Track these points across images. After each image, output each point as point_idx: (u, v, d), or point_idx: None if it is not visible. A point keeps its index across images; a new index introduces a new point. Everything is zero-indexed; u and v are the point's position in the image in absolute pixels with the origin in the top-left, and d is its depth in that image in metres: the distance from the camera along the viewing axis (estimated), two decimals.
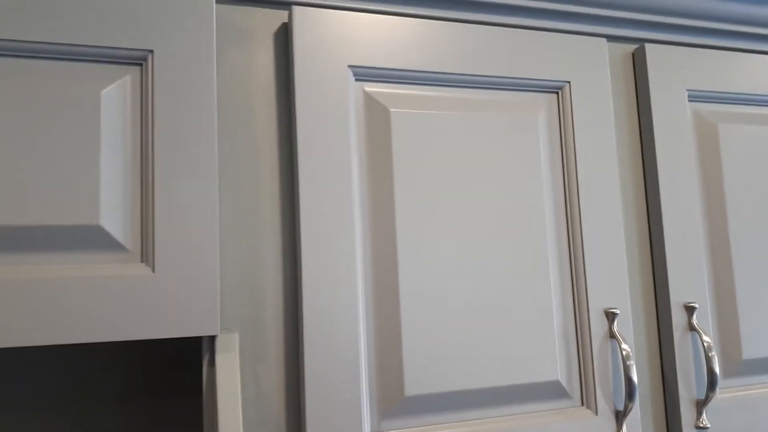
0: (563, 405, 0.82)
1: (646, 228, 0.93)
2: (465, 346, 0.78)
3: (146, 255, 0.65)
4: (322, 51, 0.77)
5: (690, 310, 0.89)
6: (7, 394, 0.86)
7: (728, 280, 0.93)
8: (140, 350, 0.92)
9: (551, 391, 0.82)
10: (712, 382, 0.86)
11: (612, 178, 0.88)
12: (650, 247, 0.93)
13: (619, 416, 0.83)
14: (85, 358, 0.89)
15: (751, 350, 0.92)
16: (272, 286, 0.75)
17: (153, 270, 0.64)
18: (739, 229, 0.95)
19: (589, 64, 0.89)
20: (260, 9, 0.79)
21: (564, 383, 0.82)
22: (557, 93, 0.89)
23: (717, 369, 0.86)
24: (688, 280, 0.90)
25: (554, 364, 0.82)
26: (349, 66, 0.78)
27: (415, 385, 0.75)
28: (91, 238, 0.64)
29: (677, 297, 0.89)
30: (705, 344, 0.87)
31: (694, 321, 0.89)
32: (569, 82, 0.88)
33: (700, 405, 0.87)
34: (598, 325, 0.84)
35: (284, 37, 0.79)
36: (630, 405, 0.81)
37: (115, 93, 0.66)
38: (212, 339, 0.70)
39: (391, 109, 0.79)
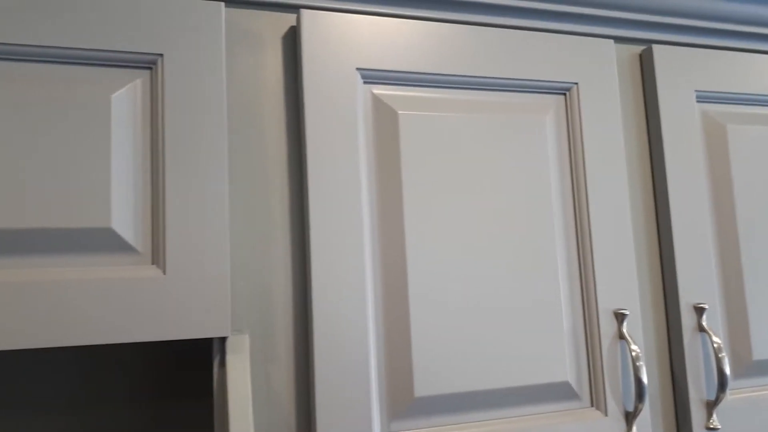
0: (573, 406, 0.82)
1: (655, 229, 0.93)
2: (474, 347, 0.78)
3: (157, 257, 0.66)
4: (330, 54, 0.77)
5: (699, 310, 0.89)
6: (20, 395, 0.87)
7: (738, 281, 0.93)
8: (151, 352, 0.92)
9: (561, 392, 0.82)
10: (722, 383, 0.85)
11: (620, 180, 0.88)
12: (659, 248, 0.93)
13: (629, 417, 0.83)
14: (97, 360, 0.90)
15: (761, 351, 0.92)
16: (282, 288, 0.75)
17: (164, 272, 0.65)
18: (749, 229, 0.95)
19: (597, 66, 0.89)
20: (269, 13, 0.79)
21: (573, 384, 0.82)
22: (565, 94, 0.89)
23: (727, 370, 0.85)
24: (698, 280, 0.90)
25: (563, 365, 0.82)
26: (357, 69, 0.78)
27: (424, 386, 0.75)
28: (103, 241, 0.64)
29: (687, 298, 0.89)
30: (715, 345, 0.87)
31: (704, 322, 0.89)
32: (577, 84, 0.88)
33: (711, 406, 0.87)
34: (607, 326, 0.84)
35: (292, 41, 0.80)
36: (640, 406, 0.81)
37: (126, 97, 0.67)
38: (223, 340, 0.70)
39: (399, 112, 0.80)
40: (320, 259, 0.73)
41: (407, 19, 0.81)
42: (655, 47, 0.94)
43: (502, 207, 0.82)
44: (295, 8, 0.80)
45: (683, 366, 0.88)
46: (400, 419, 0.75)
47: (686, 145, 0.93)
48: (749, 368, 0.92)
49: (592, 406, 0.83)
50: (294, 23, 0.80)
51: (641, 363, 0.81)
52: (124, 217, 0.65)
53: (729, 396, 0.90)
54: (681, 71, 0.95)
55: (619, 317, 0.84)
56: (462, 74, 0.82)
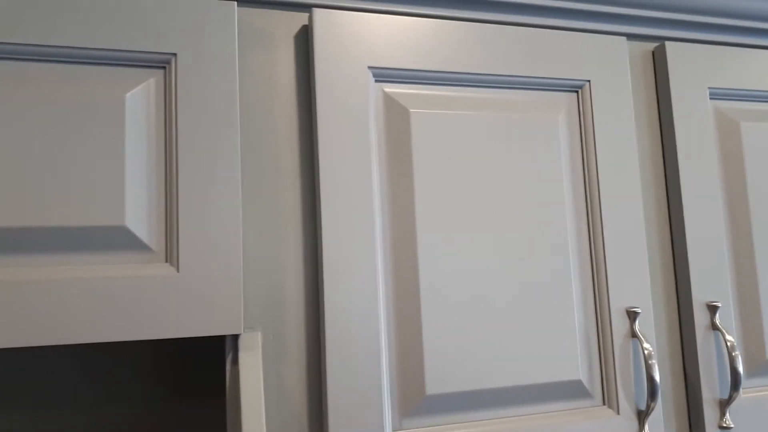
0: (585, 404, 0.82)
1: (668, 226, 0.93)
2: (485, 345, 0.78)
3: (171, 255, 0.66)
4: (342, 52, 0.77)
5: (713, 309, 0.88)
6: (34, 392, 0.87)
7: (751, 279, 0.93)
8: (165, 350, 0.93)
9: (573, 390, 0.81)
10: (735, 382, 0.85)
11: (633, 177, 0.87)
12: (672, 246, 0.92)
13: (641, 416, 0.82)
14: (109, 358, 0.90)
15: None
16: (294, 286, 0.75)
17: (177, 270, 0.65)
18: (763, 227, 0.94)
19: (609, 63, 0.89)
20: (281, 11, 0.80)
21: (585, 382, 0.82)
22: (577, 92, 0.88)
23: (740, 368, 0.85)
24: (711, 278, 0.90)
25: (576, 364, 0.81)
26: (369, 67, 0.78)
27: (436, 384, 0.76)
28: (117, 239, 0.65)
29: (700, 296, 0.89)
30: (728, 343, 0.86)
31: (717, 320, 0.88)
32: (589, 81, 0.88)
33: (724, 405, 0.87)
34: (619, 324, 0.83)
35: (304, 39, 0.80)
36: (652, 404, 0.81)
37: (140, 96, 0.68)
38: (235, 338, 0.70)
39: (411, 110, 0.80)
40: (332, 257, 0.73)
41: (419, 18, 0.81)
42: (668, 44, 0.93)
43: (514, 205, 0.82)
44: (307, 7, 0.80)
45: (696, 364, 0.87)
46: (411, 417, 0.75)
47: (699, 142, 0.92)
48: (763, 367, 0.91)
49: (604, 404, 0.83)
50: (306, 22, 0.80)
51: (654, 361, 0.81)
52: (138, 216, 0.66)
53: (742, 395, 0.89)
54: (694, 68, 0.94)
55: (632, 315, 0.84)
56: (474, 72, 0.82)
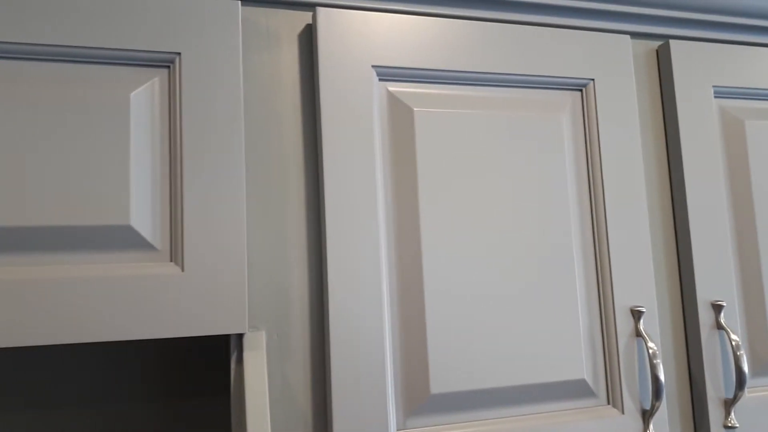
0: (589, 404, 0.82)
1: (672, 225, 0.93)
2: (490, 344, 0.78)
3: (175, 254, 0.66)
4: (346, 51, 0.77)
5: (717, 308, 0.88)
6: (39, 391, 0.88)
7: (756, 278, 0.92)
8: (169, 349, 0.93)
9: (577, 389, 0.81)
10: (740, 381, 0.85)
11: (637, 176, 0.87)
12: (676, 245, 0.92)
13: (646, 415, 0.82)
14: (114, 357, 0.90)
15: None
16: (298, 285, 0.75)
17: (182, 269, 0.65)
18: (767, 225, 0.94)
19: (613, 62, 0.89)
20: (285, 11, 0.80)
21: (590, 382, 0.82)
22: (581, 91, 0.88)
23: (746, 368, 0.85)
24: (715, 277, 0.89)
25: (580, 363, 0.81)
26: (373, 66, 0.78)
27: (440, 383, 0.75)
28: (122, 238, 0.65)
29: (704, 295, 0.89)
30: (733, 343, 0.86)
31: (722, 319, 0.88)
32: (593, 80, 0.87)
33: (729, 404, 0.86)
34: (624, 324, 0.83)
35: (308, 38, 0.80)
36: (657, 404, 0.81)
37: (144, 95, 0.68)
38: (240, 337, 0.70)
39: (415, 109, 0.80)
40: (336, 257, 0.73)
41: (422, 17, 0.81)
42: (672, 42, 0.93)
43: (518, 204, 0.82)
44: (311, 6, 0.80)
45: (701, 364, 0.87)
46: (415, 416, 0.75)
47: (704, 141, 0.92)
48: None
49: (608, 403, 0.83)
50: (310, 21, 0.80)
51: (658, 360, 0.81)
52: (143, 215, 0.66)
53: (747, 394, 0.89)
54: (698, 66, 0.94)
55: (636, 314, 0.84)
56: (478, 71, 0.82)
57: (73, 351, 0.89)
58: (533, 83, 0.86)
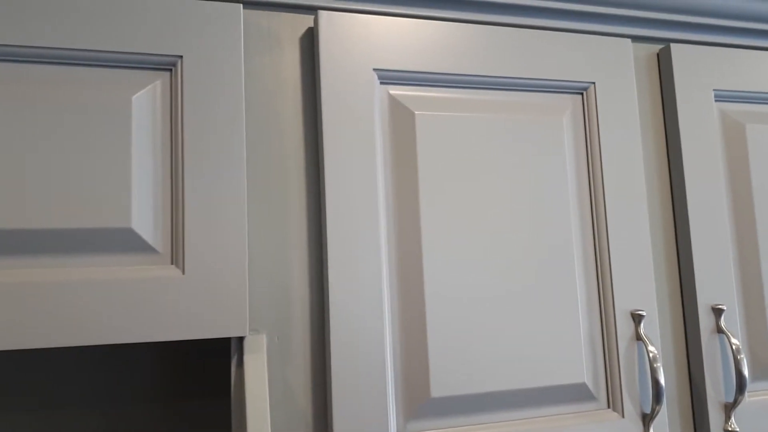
0: (589, 407, 0.82)
1: (673, 229, 0.93)
2: (490, 347, 0.78)
3: (176, 257, 0.66)
4: (347, 55, 0.77)
5: (718, 311, 0.88)
6: (41, 393, 0.88)
7: (756, 282, 0.92)
8: (170, 351, 0.93)
9: (577, 393, 0.81)
10: (740, 385, 0.85)
11: (638, 179, 0.87)
12: (677, 249, 0.92)
13: (646, 419, 0.82)
14: (116, 359, 0.91)
15: None
16: (299, 288, 0.75)
17: (183, 272, 0.66)
18: None
19: (614, 65, 0.89)
20: (286, 14, 0.80)
21: (590, 385, 0.82)
22: (582, 94, 0.88)
23: (746, 372, 0.85)
24: (716, 281, 0.89)
25: (580, 366, 0.81)
26: (374, 69, 0.78)
27: (441, 386, 0.76)
28: (123, 241, 0.65)
29: (704, 299, 0.89)
30: (733, 347, 0.86)
31: (722, 323, 0.88)
32: (594, 83, 0.88)
33: (729, 408, 0.86)
34: (624, 327, 0.83)
35: (310, 42, 0.80)
36: (657, 408, 0.81)
37: (146, 98, 0.68)
38: (240, 340, 0.70)
39: (416, 112, 0.80)
40: (337, 259, 0.73)
41: (424, 20, 0.81)
42: (673, 46, 0.93)
43: (519, 208, 0.82)
44: (313, 9, 0.81)
45: (701, 367, 0.87)
46: (416, 419, 0.75)
47: (704, 144, 0.92)
48: None
49: (608, 407, 0.83)
50: (311, 24, 0.81)
51: (659, 364, 0.81)
52: (144, 218, 0.66)
53: (747, 398, 0.89)
54: (699, 70, 0.94)
55: (637, 318, 0.84)
56: (479, 74, 0.82)
57: (75, 352, 0.90)
58: (534, 86, 0.86)
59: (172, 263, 0.67)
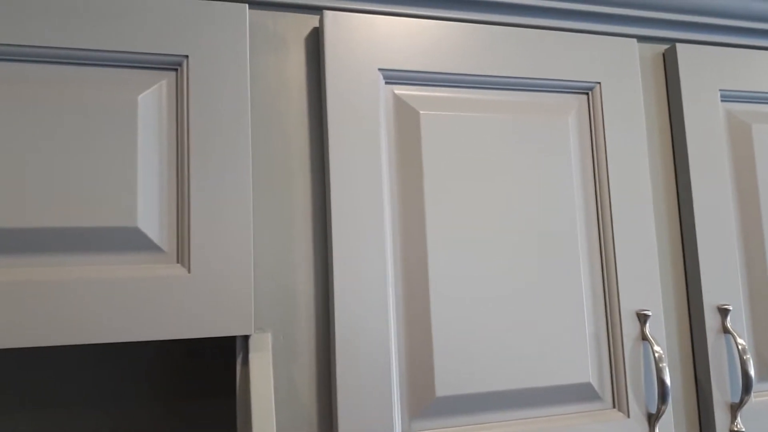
0: (595, 407, 0.82)
1: (679, 229, 0.92)
2: (495, 347, 0.78)
3: (182, 256, 0.67)
4: (353, 55, 0.77)
5: (724, 312, 0.88)
6: (45, 392, 0.88)
7: (762, 282, 0.92)
8: (175, 350, 0.93)
9: (582, 392, 0.81)
10: (746, 386, 0.85)
11: (643, 179, 0.87)
12: (683, 249, 0.92)
13: (652, 419, 0.82)
14: (120, 358, 0.91)
15: None
16: (304, 287, 0.75)
17: (189, 271, 0.66)
18: None
19: (620, 65, 0.89)
20: (292, 14, 0.80)
21: (595, 385, 0.82)
22: (588, 94, 0.88)
23: (752, 372, 0.84)
24: (722, 281, 0.89)
25: (585, 366, 0.81)
26: (379, 69, 0.78)
27: (445, 385, 0.76)
28: (129, 240, 0.65)
29: (710, 299, 0.88)
30: (739, 347, 0.86)
31: (728, 323, 0.88)
32: (600, 83, 0.87)
33: (735, 408, 0.86)
34: (629, 327, 0.83)
35: (315, 42, 0.80)
36: (663, 408, 0.80)
37: (152, 97, 0.68)
38: (246, 339, 0.71)
39: (421, 112, 0.80)
40: (342, 259, 0.74)
41: (429, 20, 0.81)
42: (679, 46, 0.93)
43: (524, 207, 0.82)
44: (318, 9, 0.81)
45: (707, 368, 0.87)
46: (421, 418, 0.75)
47: (710, 144, 0.92)
48: None
49: (614, 407, 0.83)
50: (317, 24, 0.81)
51: (664, 364, 0.81)
52: (150, 217, 0.66)
53: (753, 398, 0.89)
54: (705, 70, 0.94)
55: (642, 318, 0.83)
56: (484, 74, 0.82)
57: (79, 351, 0.90)
58: (540, 86, 0.86)
59: (177, 262, 0.67)
